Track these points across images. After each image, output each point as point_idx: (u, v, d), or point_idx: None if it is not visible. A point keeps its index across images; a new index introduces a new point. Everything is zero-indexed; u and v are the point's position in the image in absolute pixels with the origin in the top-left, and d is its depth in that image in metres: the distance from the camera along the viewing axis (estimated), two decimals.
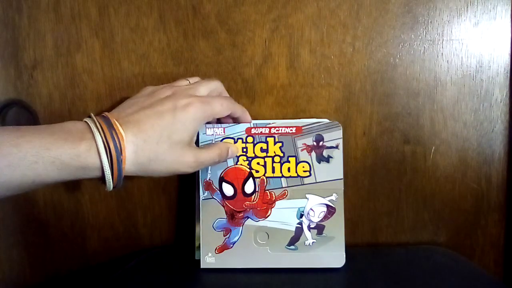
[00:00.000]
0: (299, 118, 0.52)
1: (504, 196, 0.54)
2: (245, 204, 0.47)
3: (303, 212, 0.48)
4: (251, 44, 0.52)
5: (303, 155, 0.48)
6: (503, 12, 0.51)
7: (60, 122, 0.51)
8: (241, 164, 0.48)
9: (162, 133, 0.39)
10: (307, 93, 0.53)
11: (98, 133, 0.36)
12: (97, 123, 0.37)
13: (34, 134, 0.35)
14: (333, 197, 0.48)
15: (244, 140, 0.48)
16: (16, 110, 0.54)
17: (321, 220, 0.48)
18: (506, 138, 0.53)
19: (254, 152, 0.48)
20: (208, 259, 0.48)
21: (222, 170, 0.48)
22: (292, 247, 0.48)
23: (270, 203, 0.48)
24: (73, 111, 0.53)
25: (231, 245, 0.48)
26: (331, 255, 0.47)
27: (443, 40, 0.52)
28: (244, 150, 0.48)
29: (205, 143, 0.48)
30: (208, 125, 0.48)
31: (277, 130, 0.48)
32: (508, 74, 0.52)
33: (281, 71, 0.53)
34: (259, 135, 0.48)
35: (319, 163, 0.48)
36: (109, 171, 0.37)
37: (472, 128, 0.53)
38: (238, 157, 0.48)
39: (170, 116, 0.39)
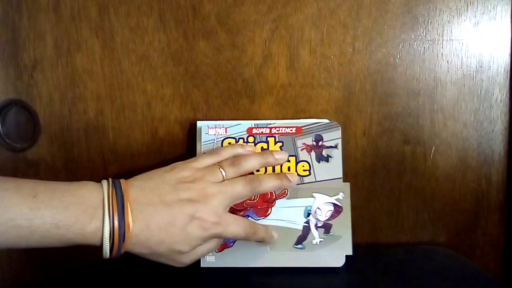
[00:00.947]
0: (299, 118, 0.52)
1: (504, 196, 0.54)
2: (245, 203, 0.47)
3: (310, 211, 0.48)
4: (251, 44, 0.52)
5: (303, 155, 0.49)
6: (503, 12, 0.51)
7: (60, 122, 0.51)
8: None
9: (166, 239, 0.39)
10: (307, 93, 0.53)
11: (108, 218, 0.37)
12: (111, 203, 0.37)
13: (47, 208, 0.35)
14: (340, 196, 0.48)
15: (245, 140, 0.49)
16: (16, 110, 0.54)
17: (328, 219, 0.48)
18: (506, 138, 0.53)
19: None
20: (208, 258, 0.48)
21: None
22: (299, 246, 0.48)
23: (270, 202, 0.48)
24: (73, 111, 0.53)
25: (231, 244, 0.48)
26: (332, 254, 0.47)
27: (443, 40, 0.52)
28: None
29: (207, 143, 0.49)
30: (210, 125, 0.49)
31: (277, 130, 0.49)
32: (508, 74, 0.52)
33: (281, 71, 0.53)
34: (260, 135, 0.49)
35: (319, 162, 0.49)
36: (108, 253, 0.38)
37: (472, 128, 0.53)
38: None
39: (181, 227, 0.39)
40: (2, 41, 0.53)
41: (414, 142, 0.53)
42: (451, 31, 0.52)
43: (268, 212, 0.48)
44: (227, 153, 0.46)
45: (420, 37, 0.52)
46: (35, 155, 0.54)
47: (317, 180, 0.48)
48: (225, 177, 0.43)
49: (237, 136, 0.49)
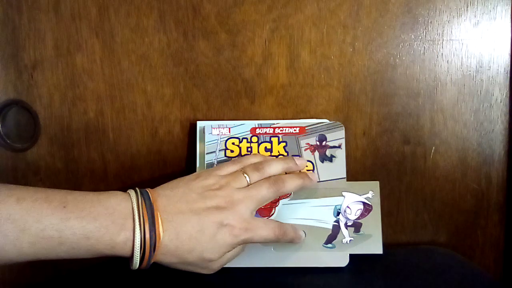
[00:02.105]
0: (299, 119, 0.52)
1: (504, 196, 0.54)
2: None
3: (340, 209, 0.48)
4: (251, 44, 0.52)
5: (307, 155, 0.49)
6: (503, 12, 0.51)
7: (60, 122, 0.51)
8: None
9: (195, 247, 0.39)
10: (307, 93, 0.53)
11: (139, 228, 0.37)
12: (141, 213, 0.37)
13: (77, 219, 0.35)
14: (370, 195, 0.48)
15: (249, 140, 0.49)
16: (16, 110, 0.54)
17: (358, 218, 0.48)
18: (506, 138, 0.53)
19: (258, 152, 0.49)
20: None
21: None
22: (329, 245, 0.48)
23: (274, 202, 0.48)
24: (73, 111, 0.53)
25: None
26: (334, 254, 0.47)
27: (443, 40, 0.52)
28: (249, 149, 0.49)
29: (211, 143, 0.49)
30: (213, 125, 0.49)
31: (281, 130, 0.49)
32: (508, 74, 0.52)
33: (281, 71, 0.53)
34: (264, 135, 0.49)
35: (322, 162, 0.49)
36: (138, 264, 0.38)
37: (472, 128, 0.53)
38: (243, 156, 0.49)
39: (211, 235, 0.39)
40: (2, 41, 0.53)
41: (414, 142, 0.53)
42: (451, 31, 0.52)
43: (272, 212, 0.48)
44: (248, 160, 0.46)
45: (420, 37, 0.52)
46: (35, 155, 0.54)
47: (321, 180, 0.48)
48: (249, 182, 0.43)
49: (240, 136, 0.49)
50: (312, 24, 0.52)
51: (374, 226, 0.48)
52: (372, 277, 0.46)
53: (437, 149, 0.54)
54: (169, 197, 0.40)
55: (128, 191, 0.40)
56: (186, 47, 0.52)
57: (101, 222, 0.36)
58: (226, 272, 0.47)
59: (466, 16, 0.52)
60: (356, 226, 0.48)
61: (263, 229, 0.42)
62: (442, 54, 0.52)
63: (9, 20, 0.52)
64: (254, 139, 0.49)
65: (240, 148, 0.49)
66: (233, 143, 0.49)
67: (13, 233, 0.33)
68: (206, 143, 0.49)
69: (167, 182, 0.43)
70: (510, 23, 0.52)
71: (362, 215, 0.48)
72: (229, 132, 0.49)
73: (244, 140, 0.49)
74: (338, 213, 0.48)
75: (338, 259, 0.47)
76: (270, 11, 0.52)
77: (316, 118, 0.52)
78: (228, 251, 0.41)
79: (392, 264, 0.49)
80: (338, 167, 0.49)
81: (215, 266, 0.42)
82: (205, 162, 0.49)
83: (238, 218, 0.40)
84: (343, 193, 0.48)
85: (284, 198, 0.48)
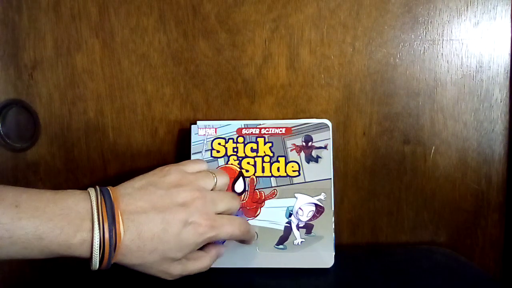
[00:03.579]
0: (299, 118, 0.52)
1: (504, 196, 0.54)
2: None
3: (291, 211, 0.48)
4: (251, 44, 0.52)
5: (293, 155, 0.49)
6: (503, 12, 0.51)
7: (60, 122, 0.51)
8: (231, 164, 0.49)
9: (158, 247, 0.37)
10: (307, 93, 0.53)
11: (98, 228, 0.35)
12: (100, 212, 0.36)
13: (30, 218, 0.34)
14: (322, 197, 0.48)
15: (235, 140, 0.49)
16: (16, 110, 0.54)
17: (310, 219, 0.48)
18: (506, 138, 0.53)
19: (244, 152, 0.49)
20: None
21: None
22: (281, 246, 0.48)
23: (260, 203, 0.48)
24: (73, 111, 0.53)
25: (222, 243, 0.48)
26: (321, 255, 0.47)
27: (443, 40, 0.52)
28: (235, 150, 0.49)
29: (197, 143, 0.49)
30: (200, 125, 0.49)
31: (267, 131, 0.49)
32: (508, 74, 0.52)
33: (281, 71, 0.53)
34: (250, 136, 0.49)
35: (308, 163, 0.49)
36: (98, 265, 0.36)
37: (472, 128, 0.53)
38: (228, 156, 0.49)
39: (175, 233, 0.38)
40: (2, 41, 0.53)
41: (414, 142, 0.53)
42: (451, 31, 0.52)
43: (258, 213, 0.48)
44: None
45: (420, 37, 0.52)
46: (35, 155, 0.54)
47: (306, 180, 0.48)
48: (215, 185, 0.43)
49: (226, 136, 0.49)
50: (312, 24, 0.52)
51: (326, 227, 0.48)
52: (372, 277, 0.46)
53: (437, 149, 0.53)
54: (131, 195, 0.38)
55: (88, 189, 0.38)
56: (186, 47, 0.52)
57: (55, 223, 0.34)
58: (210, 273, 0.46)
59: (466, 16, 0.52)
60: (308, 228, 0.48)
61: (228, 225, 0.41)
62: (442, 54, 0.52)
63: (9, 20, 0.52)
64: (240, 139, 0.49)
65: (226, 148, 0.49)
66: (219, 144, 0.49)
67: None
68: (192, 144, 0.49)
69: (130, 179, 0.41)
70: (510, 23, 0.52)
71: (314, 217, 0.48)
72: (216, 132, 0.50)
73: (230, 141, 0.49)
74: (290, 215, 0.48)
75: (323, 260, 0.47)
76: (270, 11, 0.52)
77: (316, 118, 0.52)
78: (192, 251, 0.40)
79: (392, 264, 0.49)
80: (324, 168, 0.49)
81: (176, 272, 0.40)
82: None
83: (204, 215, 0.39)
84: (296, 195, 0.48)
85: (270, 199, 0.48)
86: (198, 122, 0.51)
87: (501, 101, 0.53)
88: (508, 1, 0.51)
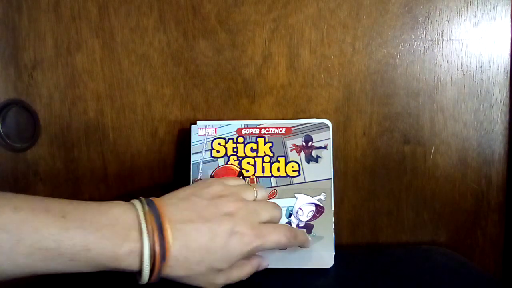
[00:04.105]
0: (299, 118, 0.52)
1: (504, 196, 0.54)
2: None
3: (292, 211, 0.48)
4: (251, 44, 0.52)
5: (293, 155, 0.49)
6: (503, 12, 0.51)
7: (60, 122, 0.51)
8: (231, 164, 0.49)
9: (205, 257, 0.37)
10: (307, 93, 0.53)
11: (147, 239, 0.34)
12: (148, 222, 0.35)
13: (78, 229, 0.33)
14: (322, 197, 0.48)
15: (235, 140, 0.50)
16: (16, 110, 0.54)
17: (310, 220, 0.48)
18: (506, 138, 0.53)
19: (244, 152, 0.49)
20: None
21: (213, 170, 0.49)
22: None
23: None
24: (73, 111, 0.53)
25: None
26: (321, 255, 0.47)
27: (443, 40, 0.52)
28: (235, 150, 0.49)
29: (197, 143, 0.49)
30: (200, 125, 0.49)
31: (267, 131, 0.49)
32: (508, 74, 0.52)
33: (281, 71, 0.53)
34: (250, 136, 0.50)
35: (308, 163, 0.49)
36: (147, 277, 0.35)
37: (472, 128, 0.53)
38: (228, 156, 0.49)
39: (222, 243, 0.37)
40: (2, 41, 0.53)
41: (414, 142, 0.53)
42: (451, 31, 0.52)
43: None
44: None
45: (420, 37, 0.52)
46: (35, 155, 0.54)
47: (306, 181, 0.48)
48: (256, 197, 0.43)
49: (226, 136, 0.50)
50: (312, 24, 0.52)
51: (326, 227, 0.48)
52: (372, 277, 0.46)
53: (437, 149, 0.54)
54: (176, 205, 0.38)
55: (132, 200, 0.38)
56: (186, 47, 0.52)
57: (103, 233, 0.33)
58: None
59: (466, 16, 0.52)
60: (308, 228, 0.48)
61: (274, 233, 0.40)
62: (442, 54, 0.52)
63: (9, 20, 0.52)
64: (240, 139, 0.50)
65: (226, 148, 0.49)
66: (219, 144, 0.50)
67: (8, 244, 0.31)
68: (192, 144, 0.50)
69: (173, 191, 0.41)
70: (510, 23, 0.52)
71: (314, 217, 0.48)
72: (215, 132, 0.50)
73: (230, 141, 0.49)
74: (290, 215, 0.48)
75: (323, 260, 0.47)
76: (270, 11, 0.52)
77: (316, 118, 0.52)
78: (239, 260, 0.39)
79: (392, 264, 0.49)
80: (324, 168, 0.49)
81: (220, 281, 0.39)
82: (191, 163, 0.49)
83: (248, 225, 0.39)
84: (296, 195, 0.48)
85: (269, 199, 0.48)
86: (198, 122, 0.51)
87: (501, 101, 0.53)
88: (508, 1, 0.51)
